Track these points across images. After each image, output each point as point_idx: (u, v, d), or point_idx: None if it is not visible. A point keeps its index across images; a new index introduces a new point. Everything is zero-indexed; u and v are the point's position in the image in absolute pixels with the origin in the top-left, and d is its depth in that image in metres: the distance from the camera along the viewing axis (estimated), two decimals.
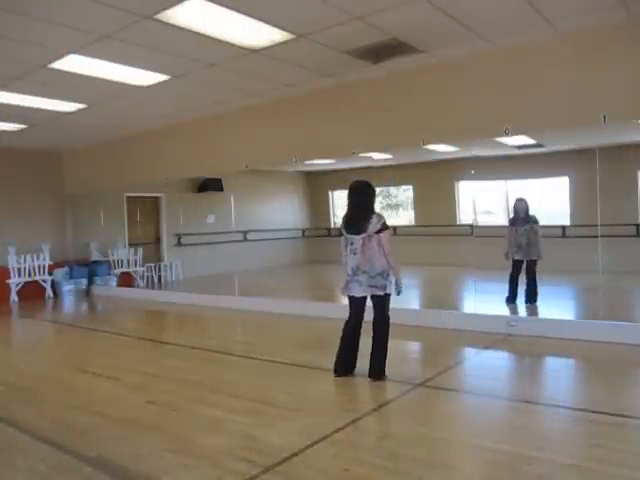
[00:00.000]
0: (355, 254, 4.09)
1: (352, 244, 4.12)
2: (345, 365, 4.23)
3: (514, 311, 6.80)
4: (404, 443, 3.01)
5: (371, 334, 4.15)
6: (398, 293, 4.11)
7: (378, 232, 4.05)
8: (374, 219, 4.06)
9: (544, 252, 6.86)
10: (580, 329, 5.27)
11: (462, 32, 5.00)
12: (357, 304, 4.20)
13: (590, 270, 7.10)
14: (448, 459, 2.83)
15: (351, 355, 4.23)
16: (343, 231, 4.23)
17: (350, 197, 4.23)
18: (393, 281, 4.09)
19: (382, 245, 4.05)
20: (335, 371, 4.25)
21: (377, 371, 4.12)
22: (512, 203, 7.20)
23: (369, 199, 4.18)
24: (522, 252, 6.86)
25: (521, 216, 6.90)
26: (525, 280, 6.95)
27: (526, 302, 6.95)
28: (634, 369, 4.49)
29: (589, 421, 3.28)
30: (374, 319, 4.16)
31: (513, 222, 6.97)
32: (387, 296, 4.13)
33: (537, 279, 6.92)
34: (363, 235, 4.06)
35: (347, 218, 4.23)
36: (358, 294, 4.13)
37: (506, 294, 7.10)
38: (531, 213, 6.95)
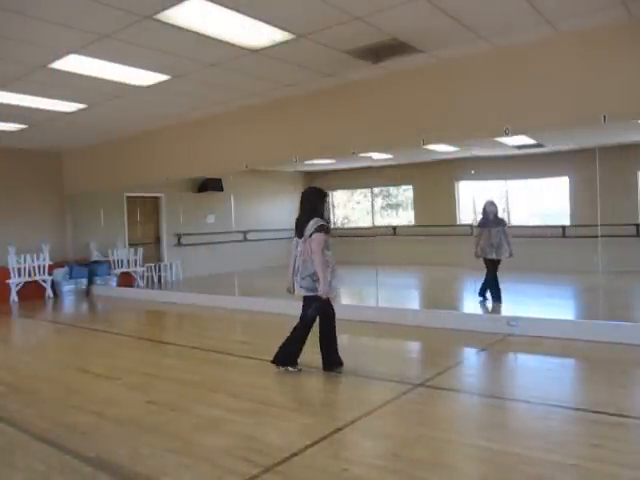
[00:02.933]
0: (298, 257, 4.37)
1: (297, 247, 4.40)
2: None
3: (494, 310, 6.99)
4: (404, 443, 3.01)
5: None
6: (324, 294, 4.24)
7: (311, 235, 4.23)
8: (311, 223, 4.25)
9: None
10: (580, 329, 5.27)
11: (462, 32, 5.01)
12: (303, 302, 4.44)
13: (590, 270, 7.10)
14: (448, 459, 2.83)
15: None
16: (294, 234, 4.48)
17: (300, 202, 4.47)
18: (323, 284, 4.21)
19: (311, 248, 4.23)
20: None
21: (278, 357, 4.42)
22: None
23: (314, 204, 4.39)
24: (495, 252, 7.14)
25: (490, 218, 7.21)
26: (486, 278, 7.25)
27: (485, 298, 7.27)
28: (634, 369, 4.49)
29: (589, 421, 3.28)
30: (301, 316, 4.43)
31: (485, 224, 7.25)
32: (314, 297, 4.29)
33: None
34: (302, 239, 4.32)
35: (295, 222, 4.48)
36: (298, 292, 4.42)
37: (482, 294, 7.37)
38: (500, 216, 7.34)
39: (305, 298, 4.38)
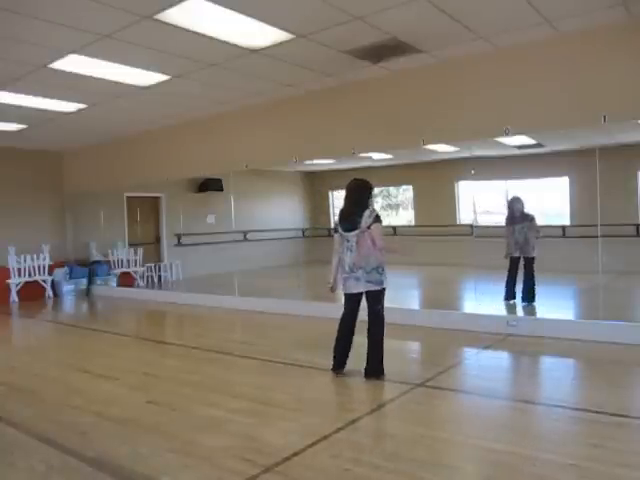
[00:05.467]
0: (352, 251, 4.12)
1: (348, 241, 4.15)
2: (339, 362, 4.26)
3: (512, 310, 6.84)
4: (404, 443, 3.01)
5: (364, 333, 4.18)
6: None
7: (369, 227, 4.07)
8: (366, 213, 4.09)
9: (538, 249, 6.95)
10: (580, 329, 5.27)
11: (462, 32, 5.00)
12: (353, 301, 4.22)
13: (590, 270, 7.11)
14: (448, 459, 2.83)
15: (344, 352, 4.26)
16: (339, 228, 4.24)
17: (346, 194, 4.26)
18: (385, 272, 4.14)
19: (374, 238, 4.05)
20: (333, 369, 4.27)
21: (374, 370, 4.13)
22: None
23: (363, 196, 4.20)
24: (520, 249, 6.97)
25: (517, 214, 7.01)
26: (523, 278, 6.99)
27: (523, 301, 6.97)
28: (634, 369, 4.48)
29: (589, 421, 3.28)
30: (369, 316, 4.18)
31: (511, 220, 7.05)
32: (382, 291, 4.15)
33: (535, 277, 6.95)
34: (357, 231, 4.09)
35: (341, 215, 4.25)
36: (356, 290, 4.16)
37: (503, 293, 7.13)
38: (527, 211, 7.05)
39: (370, 294, 4.13)
